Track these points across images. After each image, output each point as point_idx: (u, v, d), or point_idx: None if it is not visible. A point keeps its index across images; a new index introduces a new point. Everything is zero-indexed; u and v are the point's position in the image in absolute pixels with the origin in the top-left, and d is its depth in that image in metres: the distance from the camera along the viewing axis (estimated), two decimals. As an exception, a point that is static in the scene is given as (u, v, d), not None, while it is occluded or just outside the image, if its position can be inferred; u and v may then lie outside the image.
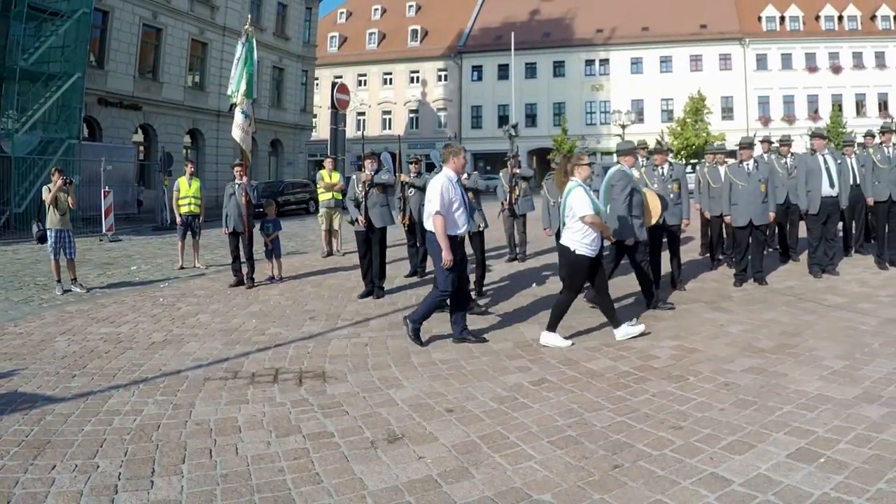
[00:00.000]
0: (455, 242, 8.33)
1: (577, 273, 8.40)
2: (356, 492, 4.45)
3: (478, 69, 72.14)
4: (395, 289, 11.92)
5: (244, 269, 12.72)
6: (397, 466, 4.82)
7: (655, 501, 4.25)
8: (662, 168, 11.22)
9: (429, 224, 8.36)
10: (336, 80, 20.68)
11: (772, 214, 11.50)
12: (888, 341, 7.68)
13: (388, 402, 6.23)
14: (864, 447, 4.89)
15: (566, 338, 8.18)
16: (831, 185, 11.81)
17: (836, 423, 5.35)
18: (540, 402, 6.11)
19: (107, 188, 22.48)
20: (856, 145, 13.57)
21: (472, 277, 11.20)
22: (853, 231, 14.18)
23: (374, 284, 11.33)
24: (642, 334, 8.28)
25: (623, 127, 52.02)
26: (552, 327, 8.21)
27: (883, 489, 4.26)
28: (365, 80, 73.82)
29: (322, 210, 16.41)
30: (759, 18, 68.52)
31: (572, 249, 8.24)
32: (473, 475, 4.66)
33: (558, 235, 9.26)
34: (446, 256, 8.10)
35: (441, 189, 8.24)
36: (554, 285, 11.28)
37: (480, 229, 11.33)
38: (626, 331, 8.28)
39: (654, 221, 10.09)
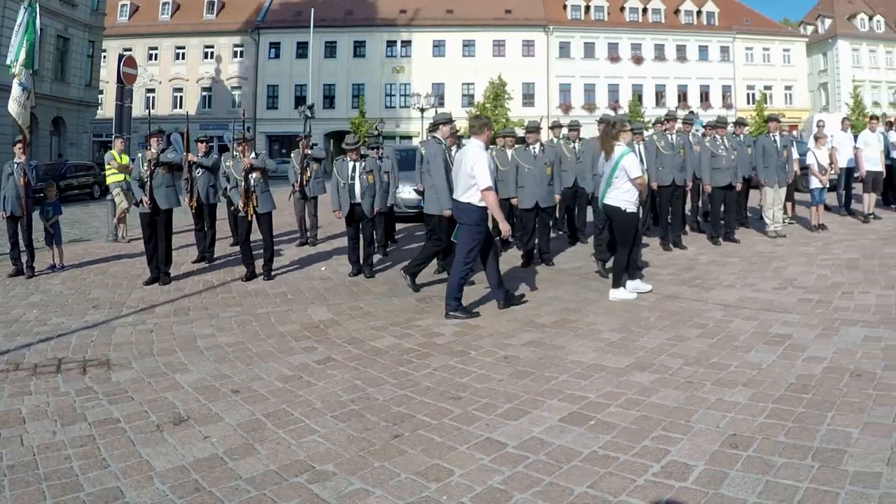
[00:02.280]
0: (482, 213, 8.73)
1: (630, 229, 9.48)
2: (143, 473, 4.54)
3: (275, 46, 69.52)
4: (182, 275, 11.79)
5: (23, 258, 12.25)
6: (183, 447, 4.93)
7: (433, 466, 4.57)
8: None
9: (468, 196, 8.63)
10: (124, 53, 19.93)
11: (557, 197, 12.22)
12: (663, 315, 8.40)
13: (174, 386, 6.30)
14: (632, 410, 5.42)
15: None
16: (618, 168, 12.57)
17: (608, 389, 5.89)
18: (324, 380, 6.36)
19: None
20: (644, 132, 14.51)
21: (260, 262, 11.38)
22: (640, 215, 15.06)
23: (160, 270, 11.18)
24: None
25: (422, 110, 52.45)
26: (617, 284, 9.37)
27: (648, 445, 4.77)
28: (156, 55, 69.23)
29: (116, 190, 15.95)
30: (565, 6, 71.16)
31: (623, 209, 9.32)
32: (258, 451, 4.84)
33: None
34: (505, 227, 8.79)
35: (486, 162, 8.61)
36: (343, 268, 11.69)
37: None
38: (619, 294, 9.32)
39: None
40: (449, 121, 10.96)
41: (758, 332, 7.46)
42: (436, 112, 14.36)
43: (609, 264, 10.44)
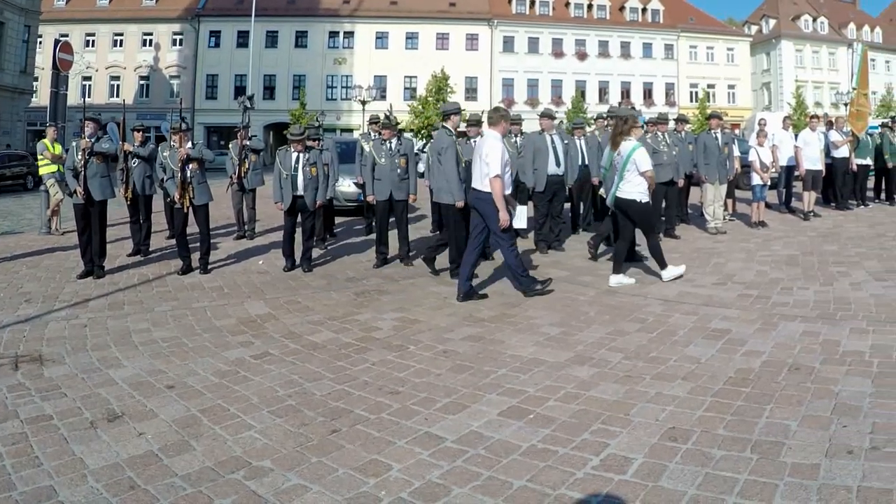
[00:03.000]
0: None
1: (649, 217, 10.30)
2: (77, 471, 4.47)
3: (216, 35, 68.37)
4: (117, 268, 11.61)
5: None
6: (118, 444, 4.86)
7: (372, 461, 4.56)
8: (391, 142, 11.66)
9: (483, 184, 9.00)
10: (61, 39, 19.59)
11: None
12: (603, 310, 8.49)
13: (108, 381, 6.21)
14: (571, 403, 5.47)
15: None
16: (557, 163, 12.73)
17: (547, 384, 5.94)
18: (261, 375, 6.33)
19: None
20: (586, 128, 14.64)
21: (196, 255, 11.26)
22: (581, 210, 15.26)
23: (94, 263, 10.98)
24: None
25: (364, 103, 52.24)
26: (662, 266, 9.99)
27: (587, 439, 4.82)
28: (93, 41, 67.46)
29: (50, 181, 15.68)
30: (510, 1, 71.46)
31: (639, 200, 9.85)
32: (194, 447, 4.80)
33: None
34: (504, 217, 8.92)
35: (500, 152, 8.97)
36: (278, 261, 11.63)
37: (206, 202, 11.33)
38: (670, 272, 10.00)
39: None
40: (458, 111, 11.13)
41: (697, 327, 7.58)
42: (389, 111, 14.30)
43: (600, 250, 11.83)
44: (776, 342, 6.93)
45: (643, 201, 9.88)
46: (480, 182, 9.10)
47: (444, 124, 11.02)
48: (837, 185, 17.50)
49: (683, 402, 5.43)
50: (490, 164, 8.88)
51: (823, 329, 7.33)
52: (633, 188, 9.83)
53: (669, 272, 9.98)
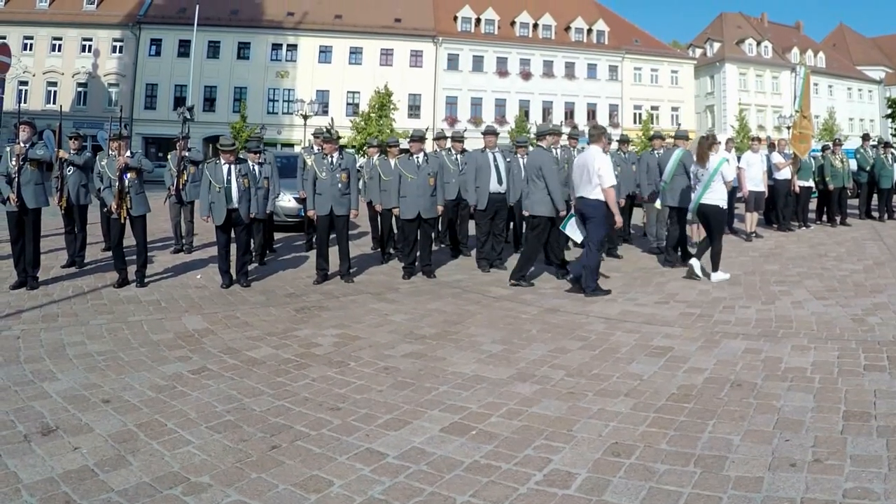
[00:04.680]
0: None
1: (724, 221, 12.46)
2: (10, 486, 4.40)
3: (157, 43, 67.01)
4: (51, 279, 11.42)
5: None
6: (52, 458, 4.79)
7: (312, 477, 4.55)
8: (332, 156, 11.67)
9: (590, 192, 10.53)
10: (-1, 39, 19.27)
11: (440, 208, 12.32)
12: (545, 328, 8.54)
13: (42, 395, 6.12)
14: (514, 420, 5.51)
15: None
16: (499, 181, 12.82)
17: (489, 400, 5.97)
18: (199, 390, 6.28)
19: None
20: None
21: (132, 268, 11.16)
22: (523, 228, 15.29)
23: (28, 274, 10.76)
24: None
25: (305, 118, 52.01)
26: (716, 268, 11.43)
27: (530, 454, 4.85)
28: (31, 45, 65.49)
29: None
30: (455, 18, 71.78)
31: (721, 207, 11.64)
32: (131, 462, 4.74)
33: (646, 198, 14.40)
34: (619, 219, 10.95)
35: (610, 165, 10.73)
36: (217, 276, 11.53)
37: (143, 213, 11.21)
38: (719, 276, 11.41)
39: None
40: (557, 132, 12.62)
41: (639, 345, 7.67)
42: (330, 125, 14.30)
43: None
44: (718, 359, 7.04)
45: (723, 207, 11.73)
46: (592, 191, 10.50)
47: (540, 143, 11.78)
48: (779, 207, 17.81)
49: (626, 417, 5.49)
50: (603, 176, 10.38)
51: (765, 346, 7.47)
52: (717, 196, 11.52)
53: (718, 276, 11.37)
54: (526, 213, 11.84)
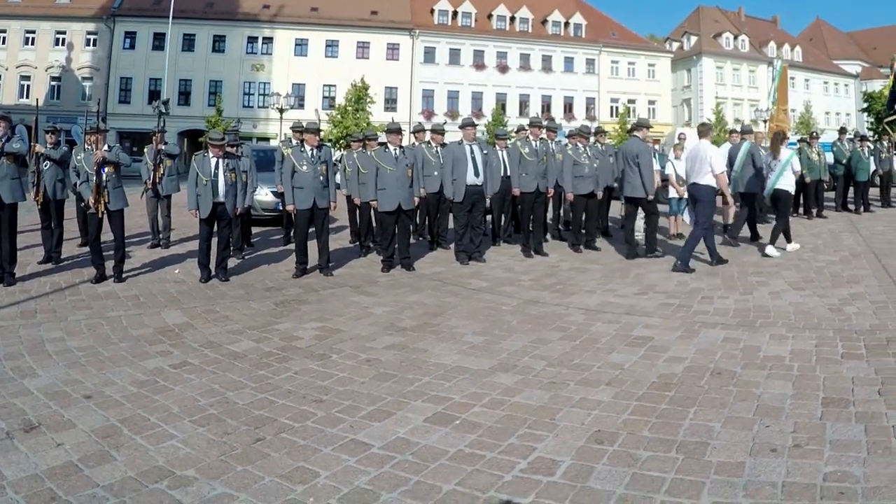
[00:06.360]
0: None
1: (790, 204, 14.24)
2: (-5, 483, 4.42)
3: (131, 36, 65.88)
4: (28, 276, 11.37)
5: None
6: (36, 455, 4.80)
7: (298, 468, 4.59)
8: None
9: (702, 178, 11.95)
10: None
11: (416, 199, 12.41)
12: (525, 319, 8.62)
13: (23, 391, 6.11)
14: (497, 409, 5.58)
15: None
16: (476, 173, 12.85)
17: (472, 390, 6.04)
18: (181, 385, 6.29)
19: None
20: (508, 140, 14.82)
21: (110, 263, 11.13)
22: (501, 221, 15.42)
23: (4, 270, 10.72)
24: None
25: (281, 111, 51.74)
26: (788, 240, 13.45)
27: (514, 443, 4.93)
28: (4, 38, 64.53)
29: None
30: (432, 11, 71.40)
31: (790, 191, 13.69)
32: (115, 458, 4.76)
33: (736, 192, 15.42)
34: (732, 201, 13.35)
35: (719, 154, 12.76)
36: (195, 271, 11.48)
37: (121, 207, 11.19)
38: (778, 249, 12.97)
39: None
40: (648, 125, 13.96)
41: (619, 335, 7.76)
42: (318, 112, 14.31)
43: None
44: (698, 348, 7.14)
45: (792, 192, 13.89)
46: (703, 178, 11.91)
47: (636, 134, 13.41)
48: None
49: (608, 406, 5.57)
50: (714, 164, 11.83)
51: (744, 336, 7.58)
52: (787, 182, 13.42)
53: (793, 246, 13.39)
54: (624, 195, 13.74)
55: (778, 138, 13.90)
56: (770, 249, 12.82)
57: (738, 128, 18.26)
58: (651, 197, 13.06)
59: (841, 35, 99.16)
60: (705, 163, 11.91)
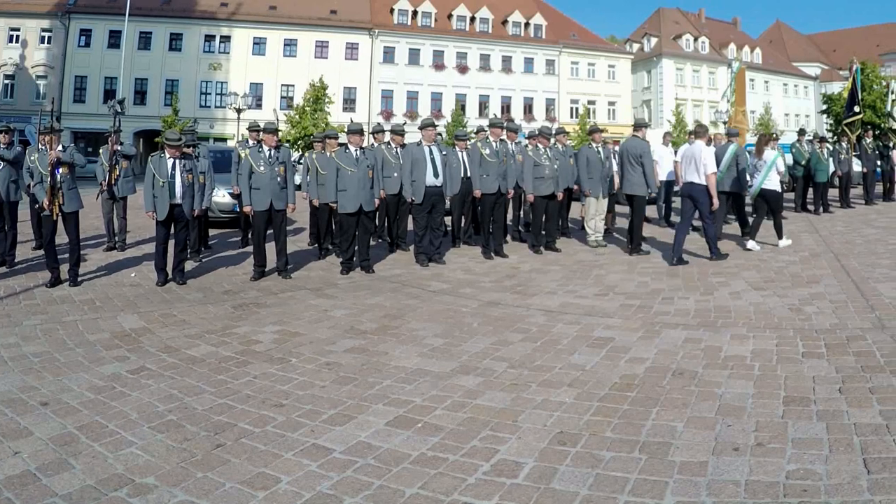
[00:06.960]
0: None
1: (780, 202, 14.55)
2: (-49, 494, 4.36)
3: (87, 34, 64.79)
4: (-19, 278, 11.29)
5: None
6: (-8, 464, 4.76)
7: (259, 474, 4.58)
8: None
9: (697, 178, 12.59)
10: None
11: (377, 201, 12.42)
12: (486, 321, 8.64)
13: (-23, 399, 6.06)
14: (459, 412, 5.60)
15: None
16: (435, 174, 12.88)
17: (433, 393, 6.06)
18: (139, 390, 6.24)
19: None
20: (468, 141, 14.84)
21: (65, 266, 11.01)
22: (461, 223, 15.47)
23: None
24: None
25: (239, 111, 51.47)
26: (780, 236, 14.14)
27: (477, 446, 4.95)
28: None
29: None
30: (392, 10, 71.27)
31: (778, 191, 14.30)
32: (73, 465, 4.72)
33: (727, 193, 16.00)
34: (716, 201, 12.85)
35: (713, 156, 12.94)
36: (152, 274, 11.36)
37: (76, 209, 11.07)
38: (785, 242, 14.05)
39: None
40: (647, 125, 14.40)
41: (581, 336, 7.80)
42: (276, 112, 14.25)
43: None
44: (659, 349, 7.21)
45: (780, 191, 14.41)
46: (698, 177, 12.55)
47: (636, 133, 14.28)
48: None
49: (570, 407, 5.61)
50: (707, 164, 12.47)
51: (705, 336, 7.68)
52: (773, 182, 14.14)
53: (784, 242, 13.98)
54: (625, 194, 14.32)
55: (763, 140, 14.68)
56: (751, 244, 13.84)
57: (724, 130, 18.71)
58: (654, 193, 14.69)
59: (800, 37, 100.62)
60: (700, 163, 12.58)
